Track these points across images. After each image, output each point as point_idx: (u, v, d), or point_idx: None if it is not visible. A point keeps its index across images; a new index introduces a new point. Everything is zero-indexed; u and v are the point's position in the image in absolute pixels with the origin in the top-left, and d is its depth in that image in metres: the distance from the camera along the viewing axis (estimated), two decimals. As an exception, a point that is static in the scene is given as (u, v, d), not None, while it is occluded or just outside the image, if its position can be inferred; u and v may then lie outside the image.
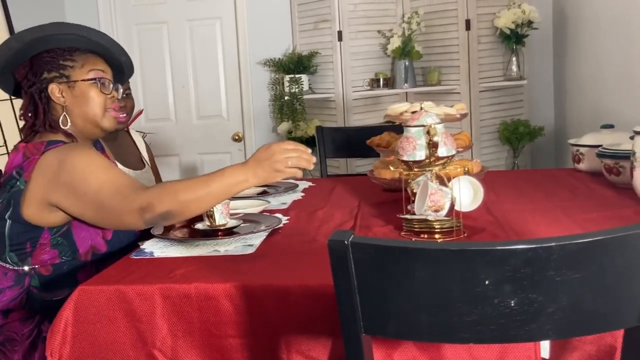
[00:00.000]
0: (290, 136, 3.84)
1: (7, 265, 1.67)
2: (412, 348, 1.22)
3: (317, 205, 2.05)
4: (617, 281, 0.95)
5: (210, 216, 1.70)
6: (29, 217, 1.62)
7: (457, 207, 1.58)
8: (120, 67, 1.85)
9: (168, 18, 4.09)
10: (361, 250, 0.98)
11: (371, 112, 3.77)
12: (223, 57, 4.09)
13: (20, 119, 1.76)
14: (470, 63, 3.56)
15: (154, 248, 1.61)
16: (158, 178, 2.55)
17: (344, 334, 1.03)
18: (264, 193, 2.26)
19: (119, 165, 2.20)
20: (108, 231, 1.72)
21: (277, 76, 3.96)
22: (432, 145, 1.59)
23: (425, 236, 1.59)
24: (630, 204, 1.82)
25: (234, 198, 1.78)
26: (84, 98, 1.71)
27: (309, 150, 1.59)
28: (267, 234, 1.70)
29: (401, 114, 1.90)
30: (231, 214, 1.76)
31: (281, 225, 1.77)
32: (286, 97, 3.79)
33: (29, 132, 1.72)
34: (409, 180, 1.69)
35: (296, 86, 3.75)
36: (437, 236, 1.57)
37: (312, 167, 1.59)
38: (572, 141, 2.39)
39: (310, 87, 3.85)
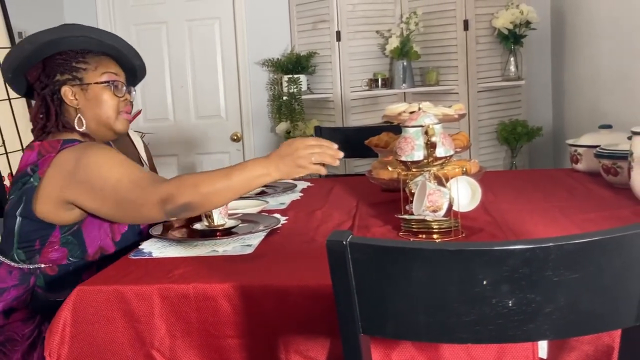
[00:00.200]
0: (288, 136, 3.84)
1: (13, 264, 1.67)
2: (410, 348, 1.22)
3: (316, 205, 2.05)
4: (614, 281, 0.95)
5: (209, 216, 1.70)
6: (42, 215, 1.62)
7: (455, 208, 1.58)
8: (133, 70, 1.85)
9: (167, 18, 4.09)
10: (359, 251, 0.98)
11: (369, 112, 3.77)
12: (222, 57, 4.09)
13: (31, 121, 1.76)
14: (468, 63, 3.57)
15: (153, 248, 1.62)
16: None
17: (342, 334, 1.04)
18: (262, 193, 2.26)
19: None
20: (117, 232, 1.72)
21: (275, 76, 3.96)
22: (430, 146, 1.59)
23: (424, 236, 1.59)
24: (628, 204, 1.82)
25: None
26: (97, 101, 1.71)
27: (335, 146, 1.55)
28: (265, 234, 1.70)
29: (399, 114, 1.90)
30: (229, 214, 1.76)
31: (279, 225, 1.77)
32: (285, 97, 3.80)
33: (39, 133, 1.72)
34: (407, 181, 1.69)
35: (295, 86, 3.75)
36: (435, 236, 1.58)
37: (337, 163, 1.55)
38: (570, 141, 2.39)
39: (308, 87, 3.86)
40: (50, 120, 1.70)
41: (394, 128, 2.39)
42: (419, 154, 1.61)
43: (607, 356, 1.21)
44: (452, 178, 1.62)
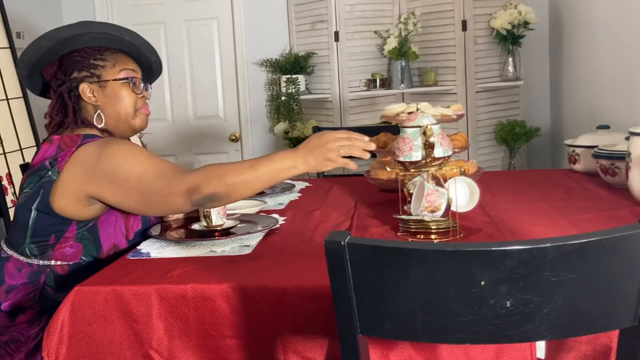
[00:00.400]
0: (287, 137, 3.84)
1: (23, 258, 1.64)
2: (408, 348, 1.22)
3: (314, 205, 2.05)
4: (612, 282, 0.96)
5: (207, 217, 1.70)
6: (61, 209, 1.60)
7: (453, 208, 1.58)
8: (149, 67, 1.84)
9: (165, 18, 4.09)
10: (357, 251, 0.98)
11: (368, 112, 3.78)
12: (220, 57, 4.09)
13: (45, 118, 1.74)
14: (466, 64, 3.57)
15: (151, 249, 1.62)
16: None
17: (340, 335, 1.04)
18: (261, 193, 2.26)
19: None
20: (131, 230, 1.72)
21: (274, 76, 3.96)
22: (429, 146, 1.59)
23: (422, 237, 1.59)
24: (626, 205, 1.83)
25: None
26: (115, 98, 1.71)
27: (366, 138, 1.53)
28: (263, 234, 1.70)
29: (397, 114, 1.90)
30: (228, 215, 1.76)
31: (278, 225, 1.77)
32: (283, 98, 3.79)
33: (54, 130, 1.70)
34: (406, 181, 1.69)
35: (293, 86, 3.75)
36: (433, 237, 1.58)
37: (367, 156, 1.53)
38: (568, 142, 2.39)
39: (307, 88, 3.86)
40: (69, 117, 1.69)
41: (392, 128, 2.40)
42: (417, 155, 1.61)
43: (605, 356, 1.21)
44: (450, 178, 1.62)
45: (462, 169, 1.74)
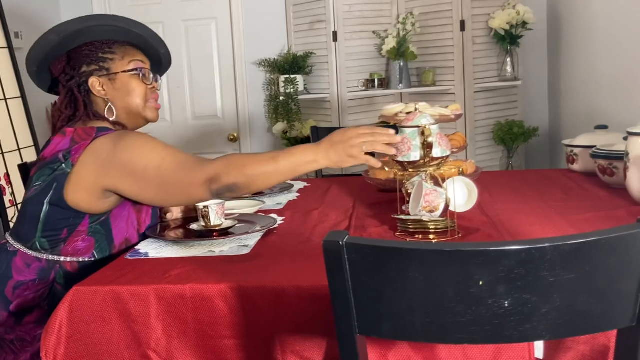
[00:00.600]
0: (285, 136, 3.84)
1: (32, 253, 1.62)
2: (406, 348, 1.22)
3: (312, 205, 2.05)
4: (610, 282, 0.96)
5: (205, 217, 1.70)
6: (75, 203, 1.59)
7: (451, 208, 1.58)
8: (158, 59, 1.84)
9: (163, 18, 4.09)
10: (356, 251, 0.98)
11: (366, 112, 3.78)
12: (218, 57, 4.09)
13: (53, 113, 1.72)
14: (465, 64, 3.57)
15: (149, 249, 1.61)
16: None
17: (338, 335, 1.04)
18: (259, 193, 2.26)
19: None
20: (143, 224, 1.71)
21: (272, 76, 3.96)
22: (427, 146, 1.59)
23: (420, 237, 1.59)
24: (624, 205, 1.83)
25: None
26: (125, 90, 1.70)
27: (391, 132, 1.52)
28: (262, 234, 1.70)
29: (396, 114, 1.90)
30: (226, 215, 1.76)
31: (276, 225, 1.77)
32: (281, 98, 3.80)
33: (64, 124, 1.68)
34: (404, 181, 1.69)
35: (291, 86, 3.75)
36: (431, 237, 1.58)
37: (392, 151, 1.53)
38: (566, 142, 2.40)
39: (305, 88, 3.86)
40: (80, 110, 1.68)
41: (391, 128, 2.40)
42: (415, 155, 1.61)
43: (603, 356, 1.21)
44: (448, 178, 1.62)
45: (461, 169, 1.74)
